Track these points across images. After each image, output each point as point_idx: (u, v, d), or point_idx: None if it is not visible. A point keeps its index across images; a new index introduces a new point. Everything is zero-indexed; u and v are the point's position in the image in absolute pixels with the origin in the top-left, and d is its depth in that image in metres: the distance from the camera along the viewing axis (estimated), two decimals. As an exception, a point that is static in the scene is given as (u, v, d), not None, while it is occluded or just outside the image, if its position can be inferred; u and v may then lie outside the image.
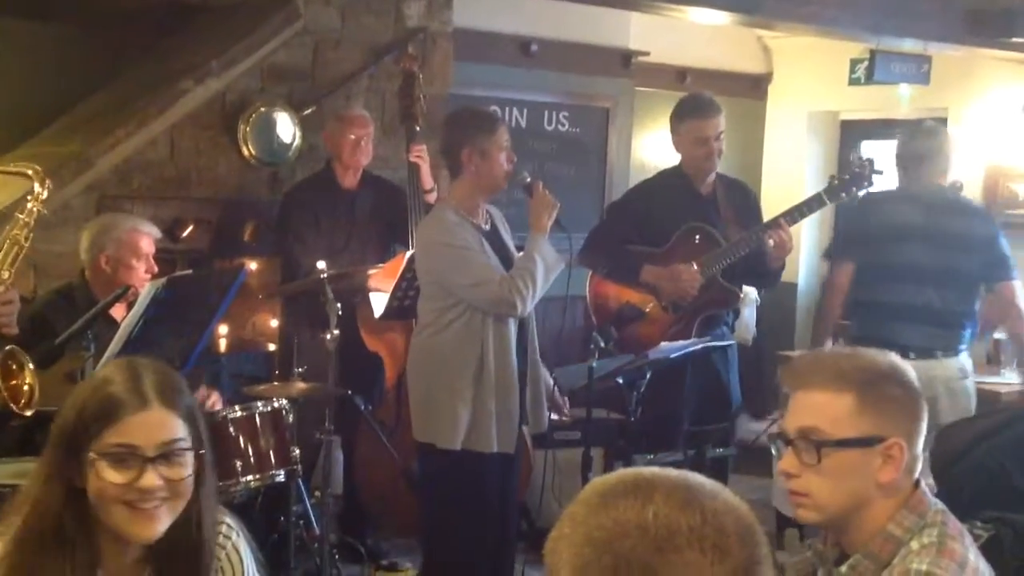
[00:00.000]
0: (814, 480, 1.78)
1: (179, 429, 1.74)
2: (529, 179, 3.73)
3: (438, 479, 3.74)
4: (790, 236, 4.24)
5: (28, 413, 2.68)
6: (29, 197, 2.76)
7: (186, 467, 1.74)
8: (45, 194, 2.78)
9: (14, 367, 2.67)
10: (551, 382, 3.97)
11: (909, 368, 1.83)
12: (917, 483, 1.82)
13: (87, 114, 4.91)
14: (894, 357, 1.84)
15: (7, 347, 2.66)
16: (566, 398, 4.05)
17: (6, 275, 2.72)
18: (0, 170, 2.83)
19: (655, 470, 1.16)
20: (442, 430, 3.63)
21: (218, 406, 3.90)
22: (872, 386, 1.77)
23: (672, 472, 1.16)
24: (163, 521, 1.74)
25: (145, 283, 3.64)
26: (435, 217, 3.76)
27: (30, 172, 2.79)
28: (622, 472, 1.17)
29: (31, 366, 2.66)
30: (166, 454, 1.72)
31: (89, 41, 5.00)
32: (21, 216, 2.75)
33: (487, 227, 3.75)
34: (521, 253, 3.73)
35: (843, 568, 1.80)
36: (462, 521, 3.70)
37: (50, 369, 2.96)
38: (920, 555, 1.73)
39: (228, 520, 1.93)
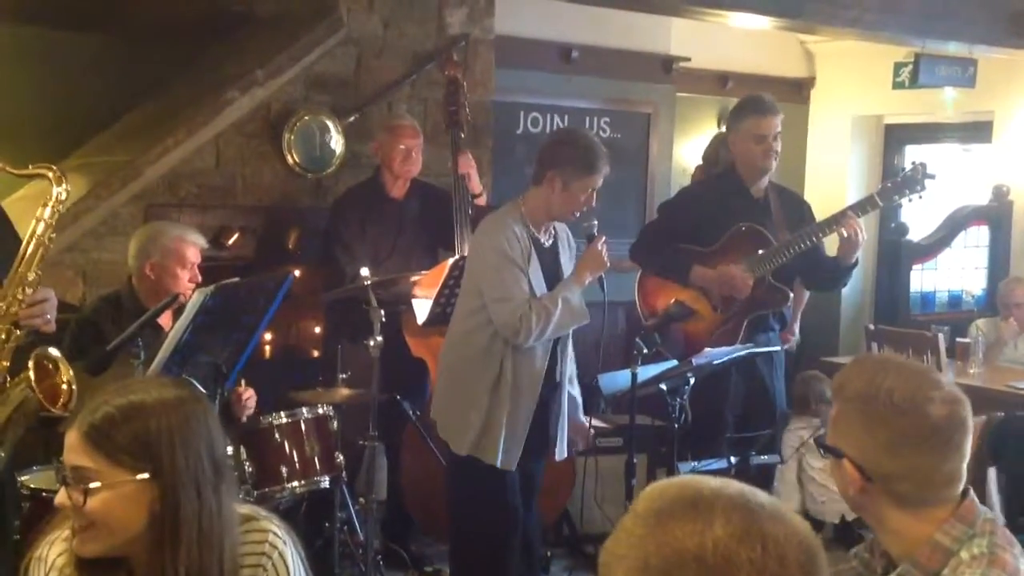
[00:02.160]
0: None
1: (85, 459, 1.74)
2: (595, 231, 3.69)
3: (454, 477, 3.80)
4: (862, 228, 4.24)
5: (64, 411, 2.70)
6: (49, 198, 2.80)
7: (86, 499, 1.74)
8: (64, 194, 2.82)
9: (49, 366, 2.70)
10: (580, 413, 3.95)
11: (921, 393, 1.77)
12: (966, 492, 1.81)
13: (135, 124, 4.98)
14: (902, 382, 1.79)
15: (37, 349, 2.69)
16: (591, 425, 4.01)
17: (32, 276, 2.75)
18: (19, 173, 2.85)
19: (714, 485, 1.12)
20: (453, 433, 3.69)
21: (251, 401, 3.90)
22: (847, 401, 1.80)
23: (732, 490, 1.12)
24: (85, 545, 1.77)
25: (188, 292, 3.68)
26: (499, 219, 3.71)
27: (49, 174, 2.83)
28: (680, 485, 1.13)
29: (65, 364, 2.69)
30: (73, 478, 1.75)
31: (136, 52, 5.08)
32: (43, 217, 2.79)
33: (547, 244, 3.73)
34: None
35: None
36: (478, 521, 3.73)
37: (100, 376, 3.00)
38: (971, 566, 1.71)
39: (276, 528, 1.92)
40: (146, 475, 1.75)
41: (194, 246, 3.83)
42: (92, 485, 1.74)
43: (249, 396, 3.90)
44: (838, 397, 1.83)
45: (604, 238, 3.69)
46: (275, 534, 1.91)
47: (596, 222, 3.71)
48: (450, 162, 4.75)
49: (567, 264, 3.77)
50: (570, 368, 3.89)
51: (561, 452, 3.86)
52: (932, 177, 4.36)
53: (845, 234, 4.21)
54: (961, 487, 1.80)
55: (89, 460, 1.75)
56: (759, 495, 1.12)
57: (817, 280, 4.62)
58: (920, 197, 4.42)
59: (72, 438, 1.77)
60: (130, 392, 1.81)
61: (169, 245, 3.78)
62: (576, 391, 3.94)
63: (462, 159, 4.69)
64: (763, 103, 4.42)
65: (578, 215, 3.68)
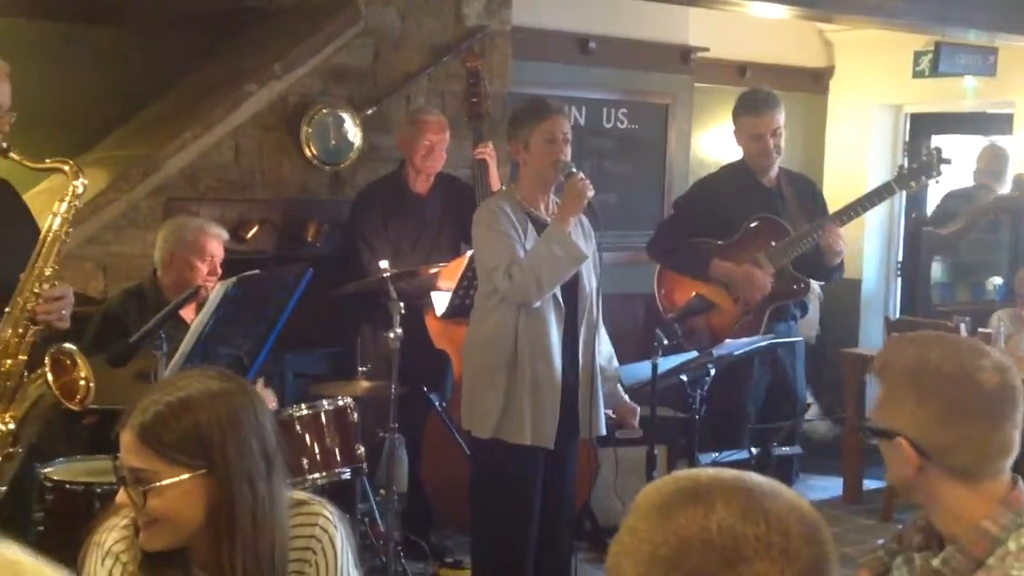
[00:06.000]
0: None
1: (141, 460, 1.77)
2: (571, 171, 3.65)
3: (477, 468, 3.80)
4: (839, 236, 4.25)
5: (82, 408, 2.71)
6: (66, 192, 2.80)
7: (144, 498, 1.76)
8: (81, 188, 2.82)
9: (67, 363, 2.70)
10: (623, 394, 3.93)
11: (971, 362, 1.77)
12: (1015, 481, 1.80)
13: (153, 118, 4.99)
14: (950, 354, 1.78)
15: (55, 345, 2.69)
16: (638, 408, 3.97)
17: (49, 271, 2.76)
18: (36, 166, 2.86)
19: (710, 473, 1.14)
20: (475, 418, 3.69)
21: (273, 405, 3.92)
22: (896, 377, 1.80)
23: (727, 474, 1.14)
24: (152, 540, 1.81)
25: (208, 284, 3.70)
26: (489, 203, 3.80)
27: (65, 168, 2.83)
28: (676, 478, 1.15)
29: (83, 359, 2.69)
30: (132, 479, 1.78)
31: (154, 46, 5.09)
32: (59, 212, 2.79)
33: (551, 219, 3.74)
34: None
35: (935, 561, 1.77)
36: (500, 513, 3.72)
37: (124, 368, 3.01)
38: (1020, 558, 1.70)
39: (327, 513, 1.96)
40: (203, 470, 1.78)
41: (215, 239, 3.84)
42: (152, 485, 1.77)
43: (267, 399, 3.90)
44: (885, 375, 1.82)
45: (581, 173, 3.65)
46: (326, 518, 1.95)
47: (572, 164, 3.67)
48: (470, 153, 4.74)
49: (580, 242, 3.70)
50: (607, 347, 3.87)
51: (594, 430, 3.80)
52: (948, 162, 4.41)
53: (823, 243, 4.24)
54: (1012, 459, 1.79)
55: (145, 461, 1.77)
56: (755, 477, 1.14)
57: (811, 271, 4.61)
58: (936, 182, 4.47)
59: (127, 439, 1.79)
60: (178, 388, 1.82)
61: (188, 237, 3.81)
62: (615, 370, 3.90)
63: (481, 145, 4.68)
64: (756, 102, 4.42)
65: (562, 171, 3.64)
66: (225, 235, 3.92)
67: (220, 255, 3.85)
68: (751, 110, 4.39)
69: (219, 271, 3.84)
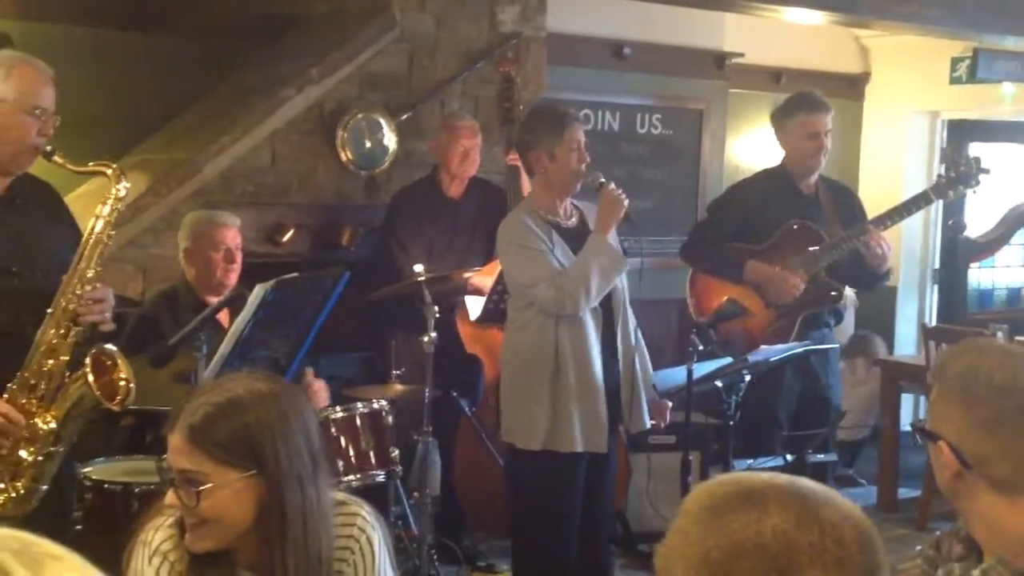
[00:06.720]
0: None
1: (191, 461, 1.78)
2: (602, 181, 3.67)
3: (519, 479, 3.77)
4: (882, 239, 4.20)
5: (122, 408, 2.74)
6: (108, 195, 2.84)
7: (195, 499, 1.77)
8: (123, 191, 2.85)
9: (108, 363, 2.74)
10: (652, 391, 3.92)
11: (1020, 376, 1.74)
12: None
13: (191, 122, 5.04)
14: (1004, 364, 1.76)
15: (97, 346, 2.73)
16: (670, 404, 3.97)
17: (91, 273, 2.79)
18: (78, 169, 2.89)
19: (763, 477, 1.13)
20: (520, 430, 3.65)
21: (323, 394, 3.92)
22: (947, 381, 1.77)
23: (780, 479, 1.13)
24: (198, 541, 1.82)
25: (227, 275, 3.72)
26: (510, 218, 3.79)
27: (108, 172, 2.86)
28: (728, 480, 1.14)
29: (123, 360, 2.72)
30: (181, 481, 1.79)
31: (192, 51, 5.14)
32: (102, 214, 2.82)
33: (571, 224, 3.74)
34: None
35: (975, 572, 1.76)
36: (544, 522, 3.70)
37: (162, 369, 3.04)
38: None
39: (365, 513, 1.96)
40: (253, 471, 1.79)
41: (225, 228, 3.83)
42: (203, 487, 1.77)
43: (319, 388, 3.91)
44: (938, 379, 1.80)
45: (613, 183, 3.67)
46: (363, 518, 1.96)
47: (599, 174, 3.70)
48: (502, 158, 4.75)
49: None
50: (640, 342, 3.85)
51: (638, 424, 3.79)
52: (987, 171, 4.33)
53: (866, 247, 4.18)
54: None
55: (195, 462, 1.78)
56: (808, 483, 1.13)
57: (852, 280, 4.57)
58: (974, 191, 4.40)
59: (176, 441, 1.79)
60: (226, 390, 1.84)
61: (199, 229, 3.84)
62: (649, 367, 3.89)
63: (514, 151, 4.69)
64: (814, 100, 4.38)
65: (594, 183, 3.66)
66: (237, 221, 3.91)
67: (235, 242, 3.83)
68: (807, 107, 4.33)
69: (237, 259, 3.83)
